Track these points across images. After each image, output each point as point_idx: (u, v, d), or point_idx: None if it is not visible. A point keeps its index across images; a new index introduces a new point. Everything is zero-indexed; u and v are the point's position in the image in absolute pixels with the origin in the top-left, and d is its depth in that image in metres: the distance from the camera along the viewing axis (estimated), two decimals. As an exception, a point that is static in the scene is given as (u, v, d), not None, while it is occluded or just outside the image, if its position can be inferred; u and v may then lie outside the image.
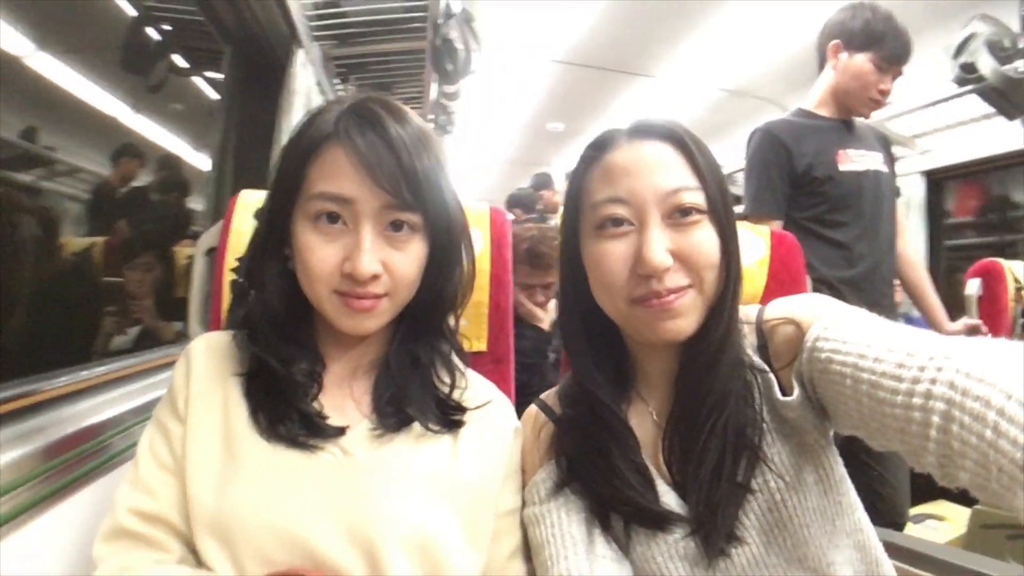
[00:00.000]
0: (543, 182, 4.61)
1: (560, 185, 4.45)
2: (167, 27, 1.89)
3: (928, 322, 2.07)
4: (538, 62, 3.61)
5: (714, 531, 0.70)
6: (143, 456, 0.73)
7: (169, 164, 2.40)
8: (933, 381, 0.52)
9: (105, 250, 1.97)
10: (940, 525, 2.11)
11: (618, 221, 0.72)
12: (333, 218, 0.70)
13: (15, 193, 1.75)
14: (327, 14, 1.97)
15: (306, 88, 1.94)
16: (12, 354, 1.18)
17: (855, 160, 1.84)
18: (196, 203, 2.06)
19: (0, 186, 1.79)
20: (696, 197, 0.71)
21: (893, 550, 1.04)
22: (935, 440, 0.52)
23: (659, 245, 0.69)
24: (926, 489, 2.10)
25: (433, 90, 2.58)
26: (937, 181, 3.44)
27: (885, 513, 1.74)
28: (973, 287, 2.37)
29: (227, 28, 1.83)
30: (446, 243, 0.77)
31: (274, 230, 0.74)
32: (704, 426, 0.71)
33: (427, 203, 0.72)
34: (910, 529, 2.06)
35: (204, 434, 0.72)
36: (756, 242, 1.24)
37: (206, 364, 0.77)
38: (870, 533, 0.76)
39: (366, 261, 0.69)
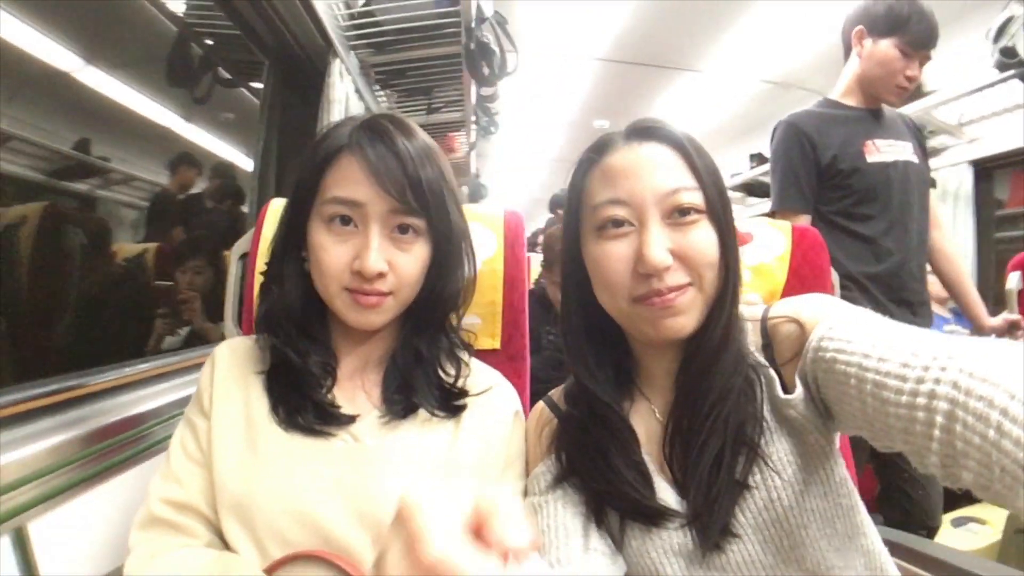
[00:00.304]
0: None
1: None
2: (209, 42, 2.00)
3: (967, 317, 1.99)
4: (582, 60, 3.62)
5: (709, 526, 0.71)
6: (174, 450, 0.80)
7: (220, 172, 2.52)
8: (937, 381, 0.52)
9: (157, 255, 2.09)
10: (981, 529, 2.02)
11: (618, 222, 0.73)
12: (345, 220, 0.77)
13: (70, 203, 1.89)
14: (363, 24, 2.02)
15: (344, 96, 2.01)
16: (66, 351, 1.29)
17: (883, 151, 1.78)
18: (247, 208, 2.16)
19: (57, 195, 1.92)
20: (694, 197, 0.72)
21: (914, 557, 1.03)
22: (938, 440, 0.52)
23: (659, 244, 0.70)
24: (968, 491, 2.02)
25: (472, 93, 2.61)
26: (986, 170, 3.28)
27: (916, 516, 1.69)
28: (1013, 280, 2.25)
29: (265, 43, 1.92)
30: (447, 247, 0.82)
31: (293, 232, 0.81)
32: (705, 423, 0.72)
33: (430, 209, 0.78)
34: (950, 533, 1.99)
35: (227, 427, 0.79)
36: (776, 238, 1.23)
37: (229, 366, 0.84)
38: (874, 538, 0.76)
39: (373, 259, 0.75)
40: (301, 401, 0.79)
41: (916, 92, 3.24)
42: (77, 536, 0.88)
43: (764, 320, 0.78)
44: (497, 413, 0.86)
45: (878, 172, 1.76)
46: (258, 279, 1.10)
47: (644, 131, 0.76)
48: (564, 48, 3.51)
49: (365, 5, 2.00)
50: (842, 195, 1.77)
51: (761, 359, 0.76)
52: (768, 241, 1.18)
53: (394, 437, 0.79)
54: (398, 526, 0.42)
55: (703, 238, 0.72)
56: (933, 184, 1.98)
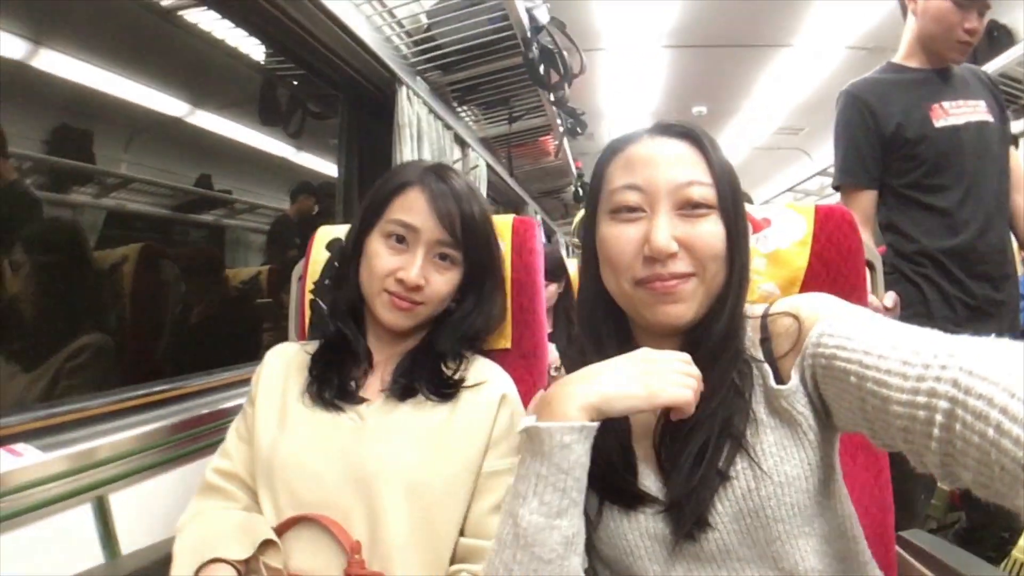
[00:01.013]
0: None
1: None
2: (295, 82, 2.26)
3: None
4: (673, 49, 3.57)
5: (685, 513, 0.72)
6: (229, 432, 1.01)
7: (326, 195, 2.81)
8: (937, 379, 0.52)
9: (268, 277, 2.40)
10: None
11: (632, 208, 0.76)
12: (400, 239, 0.95)
13: (193, 238, 2.22)
14: (427, 48, 2.19)
15: (415, 119, 2.19)
16: (164, 361, 1.57)
17: (952, 113, 1.66)
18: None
19: (185, 227, 2.27)
20: (706, 192, 0.75)
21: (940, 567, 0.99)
22: (937, 439, 0.51)
23: (666, 231, 0.73)
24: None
25: (549, 97, 2.69)
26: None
27: (1000, 516, 1.57)
28: None
29: (334, 80, 2.14)
30: (481, 276, 1.01)
31: (357, 243, 0.99)
32: (695, 415, 0.72)
33: (470, 246, 0.97)
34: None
35: (267, 410, 0.97)
36: (796, 222, 1.17)
37: (273, 365, 1.03)
38: (861, 548, 0.76)
39: (415, 273, 0.92)
40: (331, 378, 0.97)
41: (1007, 41, 2.89)
42: (150, 508, 1.10)
43: (765, 316, 0.80)
44: (485, 401, 0.96)
45: (948, 137, 1.65)
46: (308, 296, 1.29)
47: (667, 128, 0.81)
48: (652, 37, 3.48)
49: (426, 31, 2.15)
50: (911, 166, 1.67)
51: (758, 354, 0.77)
52: (786, 226, 1.13)
53: (393, 417, 0.93)
54: None
55: (711, 231, 0.74)
56: (1015, 142, 1.80)
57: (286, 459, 0.90)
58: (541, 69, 2.37)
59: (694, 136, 0.78)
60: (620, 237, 0.76)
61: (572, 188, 4.59)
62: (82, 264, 1.48)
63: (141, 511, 1.09)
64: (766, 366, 0.75)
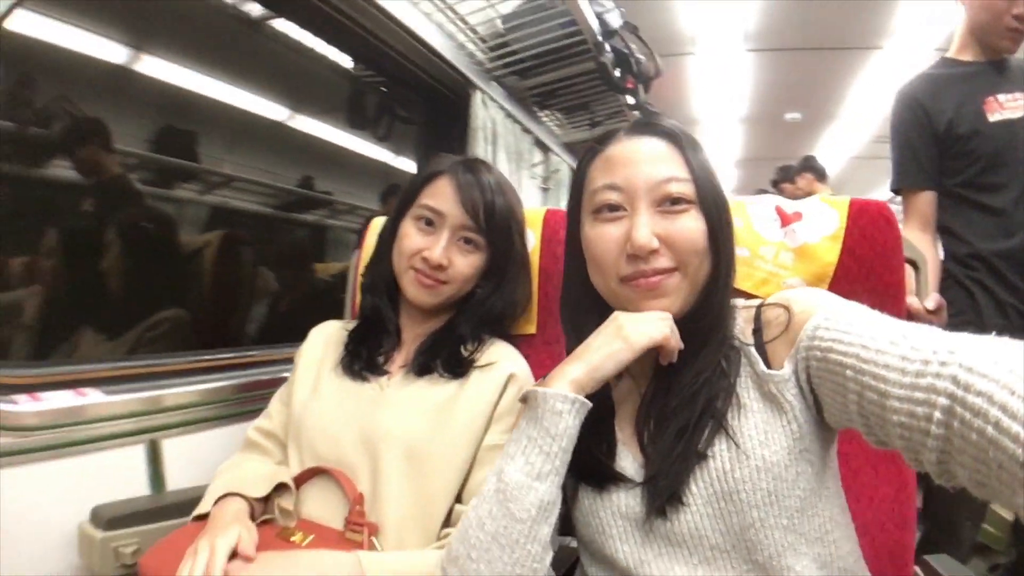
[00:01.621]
0: (783, 175, 4.28)
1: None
2: (383, 89, 2.42)
3: None
4: (763, 53, 3.48)
5: (658, 489, 0.74)
6: (274, 396, 1.14)
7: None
8: (937, 375, 0.52)
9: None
10: None
11: (613, 207, 0.78)
12: (428, 222, 1.03)
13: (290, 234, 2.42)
14: (503, 54, 2.28)
15: (489, 123, 2.29)
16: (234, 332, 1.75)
17: (1007, 107, 1.56)
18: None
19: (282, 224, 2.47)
20: (685, 188, 0.76)
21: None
22: (935, 436, 0.51)
23: (646, 228, 0.74)
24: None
25: (628, 101, 2.71)
26: None
27: None
28: None
29: (412, 85, 2.28)
30: (503, 261, 1.07)
31: (392, 227, 1.10)
32: (677, 398, 0.76)
33: (492, 233, 1.04)
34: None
35: (304, 378, 1.09)
36: (828, 216, 1.13)
37: (315, 340, 1.15)
38: (847, 559, 0.75)
39: (439, 252, 1.00)
40: (362, 352, 1.07)
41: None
42: (199, 457, 1.25)
43: (760, 308, 0.81)
44: (494, 379, 1.02)
45: (1002, 132, 1.56)
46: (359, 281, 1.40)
47: (644, 126, 0.82)
48: (736, 41, 3.41)
49: (501, 37, 2.25)
50: (965, 164, 1.59)
51: (744, 337, 0.79)
52: (817, 219, 1.10)
53: (408, 390, 1.02)
54: None
55: (690, 226, 0.76)
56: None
57: (312, 421, 1.01)
58: (617, 73, 2.40)
59: (670, 133, 0.80)
60: (603, 237, 0.78)
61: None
62: (170, 248, 1.68)
63: (190, 458, 1.23)
64: (755, 353, 0.76)
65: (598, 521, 0.78)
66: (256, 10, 1.80)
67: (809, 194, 3.93)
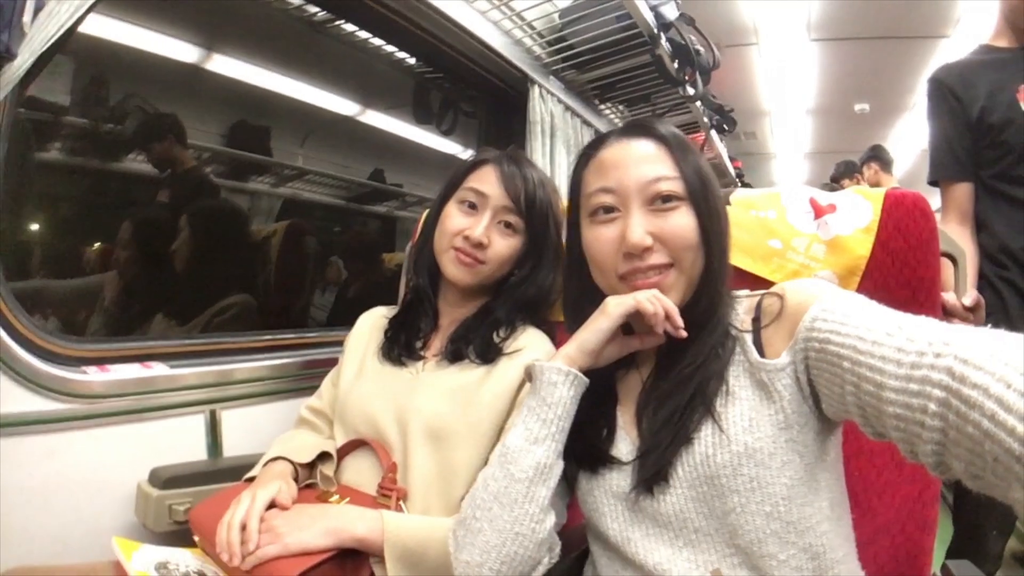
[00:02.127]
0: (843, 171, 4.09)
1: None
2: (447, 85, 2.50)
3: None
4: (829, 43, 3.36)
5: (645, 468, 0.77)
6: (326, 378, 1.23)
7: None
8: (932, 367, 0.52)
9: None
10: None
11: (607, 209, 0.82)
12: (472, 205, 1.10)
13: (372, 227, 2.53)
14: (560, 48, 2.31)
15: (547, 116, 2.32)
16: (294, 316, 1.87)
17: None
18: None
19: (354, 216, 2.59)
20: (674, 185, 0.79)
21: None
22: (930, 428, 0.51)
23: (639, 227, 0.78)
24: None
25: (687, 93, 2.67)
26: None
27: None
28: None
29: (472, 81, 2.34)
30: (539, 248, 1.12)
31: (436, 210, 1.17)
32: (673, 381, 0.79)
33: (531, 219, 1.10)
34: None
35: (351, 362, 1.18)
36: (862, 208, 1.11)
37: (361, 326, 1.24)
38: (835, 548, 0.74)
39: (480, 231, 1.06)
40: (400, 337, 1.15)
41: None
42: (255, 428, 1.36)
43: (762, 297, 0.83)
44: (518, 365, 1.06)
45: None
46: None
47: (634, 128, 0.86)
48: (799, 30, 3.30)
49: (559, 32, 2.27)
50: (998, 154, 1.51)
51: (739, 323, 0.81)
52: (851, 211, 1.09)
53: (439, 374, 1.08)
54: None
55: (681, 223, 0.79)
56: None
57: (354, 403, 1.10)
58: (675, 65, 2.38)
59: (658, 133, 0.83)
60: (600, 238, 0.82)
61: (731, 188, 4.40)
62: (238, 237, 1.81)
63: (246, 429, 1.34)
64: (749, 341, 0.78)
65: (593, 499, 0.83)
66: (321, 13, 1.90)
67: (875, 185, 3.79)
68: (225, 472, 1.19)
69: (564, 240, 1.02)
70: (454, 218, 1.09)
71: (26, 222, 1.35)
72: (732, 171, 4.28)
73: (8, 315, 1.02)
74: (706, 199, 0.80)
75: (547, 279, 1.13)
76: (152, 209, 1.67)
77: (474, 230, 1.06)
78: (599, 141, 0.88)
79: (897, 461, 0.98)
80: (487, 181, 1.09)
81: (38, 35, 0.88)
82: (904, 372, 0.54)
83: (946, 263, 1.08)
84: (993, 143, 1.52)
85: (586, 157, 0.88)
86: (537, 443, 0.78)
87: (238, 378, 1.35)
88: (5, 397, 1.00)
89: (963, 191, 1.58)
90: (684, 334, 0.76)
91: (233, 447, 1.31)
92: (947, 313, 1.04)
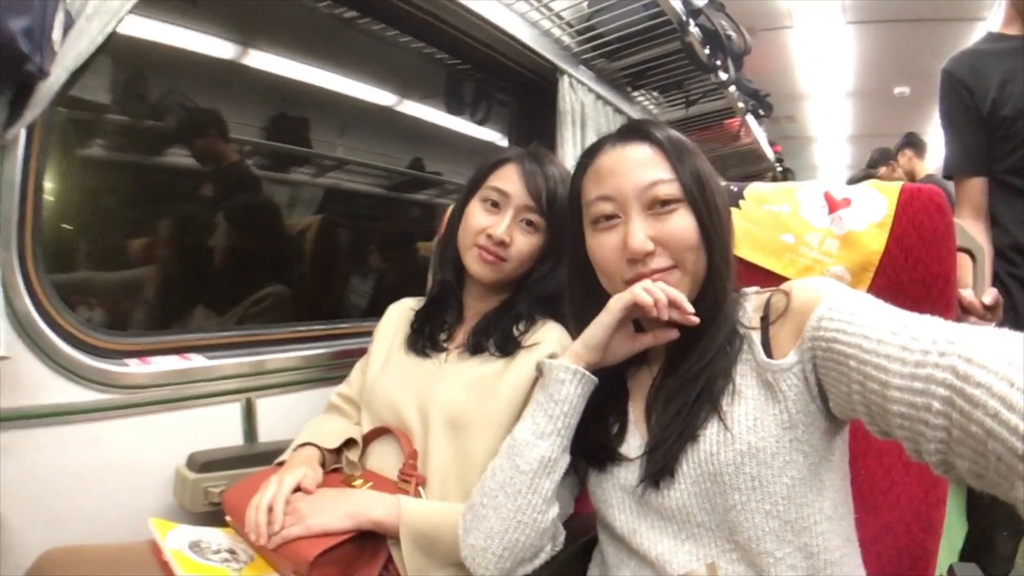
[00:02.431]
0: (878, 158, 4.00)
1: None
2: (479, 75, 2.52)
3: None
4: (869, 25, 3.25)
5: (651, 463, 0.79)
6: (356, 366, 1.29)
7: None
8: (936, 366, 0.53)
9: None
10: None
11: (608, 217, 0.83)
12: (495, 204, 1.13)
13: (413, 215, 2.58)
14: (590, 37, 2.31)
15: (577, 106, 2.33)
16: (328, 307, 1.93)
17: None
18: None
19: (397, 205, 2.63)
20: (671, 188, 0.81)
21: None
22: (933, 426, 0.52)
23: (640, 233, 0.79)
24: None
25: (724, 77, 2.63)
26: None
27: None
28: None
29: (502, 73, 2.37)
30: (558, 248, 1.13)
31: (460, 207, 1.21)
32: (681, 378, 0.81)
33: (553, 217, 1.12)
34: None
35: (379, 352, 1.24)
36: (877, 202, 1.08)
37: (390, 317, 1.29)
38: (831, 550, 0.75)
39: (502, 229, 1.10)
40: (425, 330, 1.20)
41: None
42: (289, 415, 1.43)
43: (771, 295, 0.84)
44: (537, 358, 1.09)
45: None
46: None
47: (629, 132, 0.88)
48: (834, 13, 3.20)
49: (587, 21, 2.27)
50: (1010, 147, 1.47)
51: (745, 321, 0.83)
52: (865, 206, 1.08)
53: (461, 365, 1.13)
54: None
55: (681, 224, 0.80)
56: None
57: (380, 392, 1.16)
58: (707, 51, 2.36)
59: (652, 136, 0.85)
60: (603, 245, 0.84)
61: (771, 173, 4.34)
62: (275, 230, 1.89)
63: (281, 416, 1.41)
64: (756, 339, 0.79)
65: (602, 491, 0.86)
66: (350, 12, 1.95)
67: (910, 172, 3.70)
68: (259, 457, 1.26)
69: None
70: (477, 216, 1.12)
71: (70, 218, 1.42)
72: (771, 156, 4.21)
73: (53, 313, 1.09)
74: (704, 199, 0.81)
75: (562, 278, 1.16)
76: (194, 203, 1.75)
77: (496, 228, 1.09)
78: (596, 148, 0.89)
79: (904, 461, 0.98)
80: (509, 180, 1.12)
81: (70, 52, 0.94)
82: (909, 371, 0.55)
83: (964, 259, 1.06)
84: (1005, 136, 1.49)
85: (583, 165, 0.90)
86: (543, 438, 0.81)
87: (272, 368, 1.42)
88: (52, 389, 1.08)
89: (976, 186, 1.55)
90: (695, 320, 0.77)
91: (268, 433, 1.39)
92: (965, 311, 1.03)
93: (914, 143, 3.71)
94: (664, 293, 0.77)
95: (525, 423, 0.84)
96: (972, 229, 1.48)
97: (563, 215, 1.10)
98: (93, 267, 1.48)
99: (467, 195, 1.18)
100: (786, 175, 4.40)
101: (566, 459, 0.84)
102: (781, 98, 3.96)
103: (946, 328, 0.57)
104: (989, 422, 0.46)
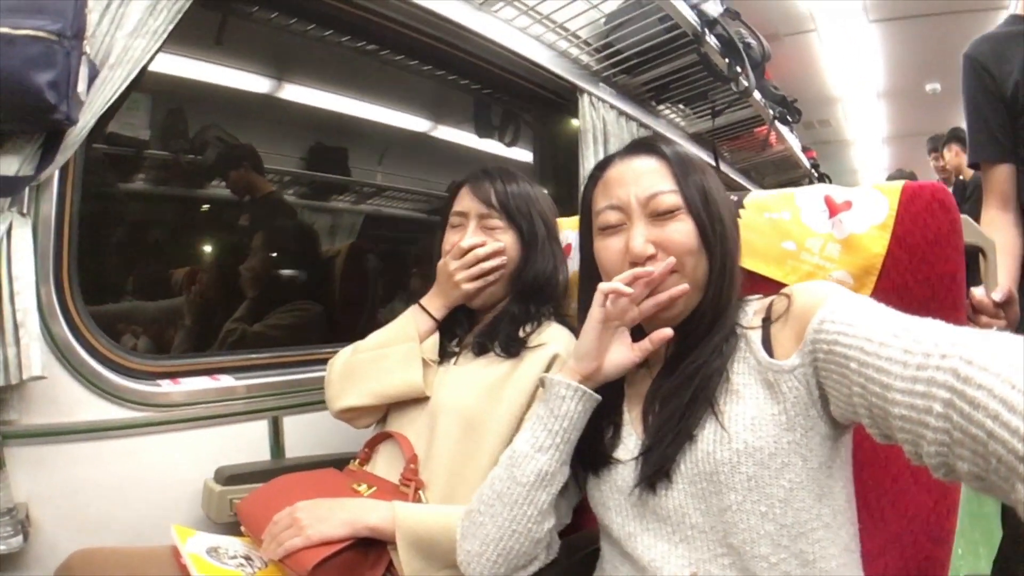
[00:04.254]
0: (935, 145, 3.86)
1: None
2: (504, 99, 2.59)
3: None
4: (893, 23, 3.18)
5: (647, 465, 0.80)
6: None
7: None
8: (937, 368, 0.53)
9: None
10: None
11: (614, 225, 0.88)
12: (459, 224, 1.21)
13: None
14: (609, 55, 2.34)
15: (600, 123, 2.37)
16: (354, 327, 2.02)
17: None
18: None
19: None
20: (672, 198, 0.84)
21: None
22: (934, 428, 0.52)
23: (641, 237, 0.83)
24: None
25: (746, 84, 2.62)
26: None
27: None
28: None
29: (525, 95, 2.43)
30: (529, 237, 1.20)
31: (441, 234, 1.27)
32: (678, 378, 0.82)
33: (510, 211, 1.19)
34: None
35: None
36: (878, 203, 1.04)
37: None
38: (828, 558, 0.75)
39: (467, 240, 1.17)
40: (440, 341, 1.24)
41: None
42: (315, 431, 1.49)
43: (772, 300, 0.85)
44: (541, 359, 1.14)
45: None
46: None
47: (637, 147, 0.93)
48: (856, 12, 3.14)
49: (604, 38, 2.31)
50: None
51: (754, 330, 0.82)
52: (867, 208, 1.05)
53: (468, 367, 1.18)
54: None
55: (680, 230, 0.83)
56: None
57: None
58: (726, 60, 2.36)
59: (657, 150, 0.89)
60: (608, 249, 0.88)
61: (807, 180, 4.25)
62: (308, 257, 1.99)
63: (306, 432, 1.48)
64: (757, 340, 0.80)
65: (599, 494, 0.87)
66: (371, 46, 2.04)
67: (956, 167, 3.58)
68: (283, 471, 1.29)
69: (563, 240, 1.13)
70: (448, 239, 1.21)
71: (106, 251, 1.53)
72: (806, 162, 4.12)
73: (90, 338, 1.19)
74: (707, 209, 0.84)
75: (545, 264, 1.21)
76: (228, 232, 1.86)
77: (462, 240, 1.17)
78: (606, 162, 0.94)
79: (912, 470, 0.95)
80: (463, 200, 1.21)
81: (97, 99, 1.03)
82: (910, 373, 0.55)
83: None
84: None
85: (594, 178, 0.94)
86: (542, 451, 0.84)
87: (299, 387, 1.49)
88: (89, 408, 1.18)
89: (1003, 173, 1.49)
90: (678, 290, 0.80)
91: (294, 449, 1.45)
92: (976, 310, 1.00)
93: (959, 137, 3.60)
94: (636, 278, 0.79)
95: (525, 435, 0.86)
96: (999, 221, 1.47)
97: (523, 209, 1.20)
98: (135, 297, 1.59)
99: (443, 222, 1.27)
100: (823, 180, 4.29)
101: (564, 472, 0.86)
102: (812, 102, 3.89)
103: (948, 331, 0.57)
104: (990, 424, 0.46)
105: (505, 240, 1.19)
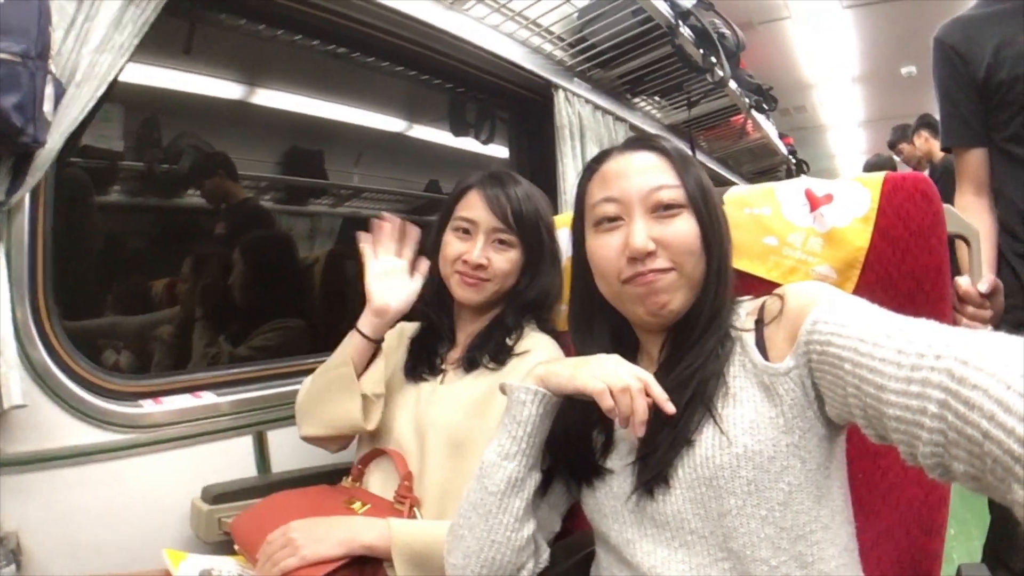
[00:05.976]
0: (899, 136, 3.94)
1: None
2: (481, 96, 2.58)
3: None
4: (856, 6, 3.21)
5: (645, 471, 0.79)
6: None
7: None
8: (932, 369, 0.52)
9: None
10: None
11: (611, 218, 0.84)
12: (465, 231, 1.18)
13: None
14: (583, 49, 2.34)
15: (575, 119, 2.36)
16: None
17: None
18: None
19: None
20: (674, 194, 0.82)
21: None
22: (929, 429, 0.52)
23: (642, 233, 0.80)
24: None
25: (720, 74, 2.63)
26: None
27: None
28: None
29: (497, 94, 2.42)
30: (535, 256, 1.20)
31: (436, 238, 1.25)
32: (673, 381, 0.79)
33: (522, 231, 1.17)
34: None
35: (385, 367, 1.25)
36: (860, 196, 1.04)
37: (391, 340, 1.31)
38: (826, 559, 0.75)
39: (476, 253, 1.15)
40: (423, 355, 1.24)
41: None
42: (300, 445, 1.46)
43: (764, 301, 0.84)
44: (525, 367, 1.11)
45: None
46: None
47: (636, 142, 0.90)
48: None
49: (578, 33, 2.30)
50: (1010, 114, 1.41)
51: (747, 332, 0.82)
52: (848, 201, 1.05)
53: (456, 385, 1.17)
54: None
55: (683, 228, 0.81)
56: None
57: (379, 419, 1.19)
58: (701, 51, 2.37)
59: (658, 145, 0.87)
60: (604, 245, 0.84)
61: (785, 167, 4.29)
62: (285, 265, 1.96)
63: (292, 446, 1.45)
64: (751, 342, 0.80)
65: (595, 501, 0.86)
66: (341, 49, 2.01)
67: (927, 154, 3.63)
68: (271, 487, 1.30)
69: (560, 245, 1.12)
70: (452, 245, 1.17)
71: (84, 266, 1.50)
72: (783, 149, 4.16)
73: (68, 361, 1.17)
74: (707, 207, 0.83)
75: (548, 283, 1.21)
76: (202, 242, 1.83)
77: (471, 254, 1.14)
78: (603, 155, 0.91)
79: (903, 463, 0.93)
80: (474, 207, 1.17)
81: (65, 119, 1.01)
82: (904, 374, 0.55)
83: (962, 244, 1.04)
84: (1003, 103, 1.42)
85: (590, 171, 0.91)
86: (508, 458, 0.82)
87: (282, 400, 1.46)
88: (72, 432, 1.16)
89: (976, 157, 1.49)
90: (672, 408, 0.74)
91: (280, 463, 1.44)
92: (962, 301, 1.00)
93: (930, 123, 3.63)
94: (639, 408, 0.73)
95: (492, 445, 0.85)
96: (974, 207, 1.47)
97: (533, 228, 1.18)
98: (113, 312, 1.57)
99: (440, 225, 1.23)
100: (801, 167, 4.34)
101: (535, 477, 0.85)
102: (788, 89, 3.91)
103: (942, 331, 0.57)
104: (986, 424, 0.46)
105: (512, 257, 1.18)
